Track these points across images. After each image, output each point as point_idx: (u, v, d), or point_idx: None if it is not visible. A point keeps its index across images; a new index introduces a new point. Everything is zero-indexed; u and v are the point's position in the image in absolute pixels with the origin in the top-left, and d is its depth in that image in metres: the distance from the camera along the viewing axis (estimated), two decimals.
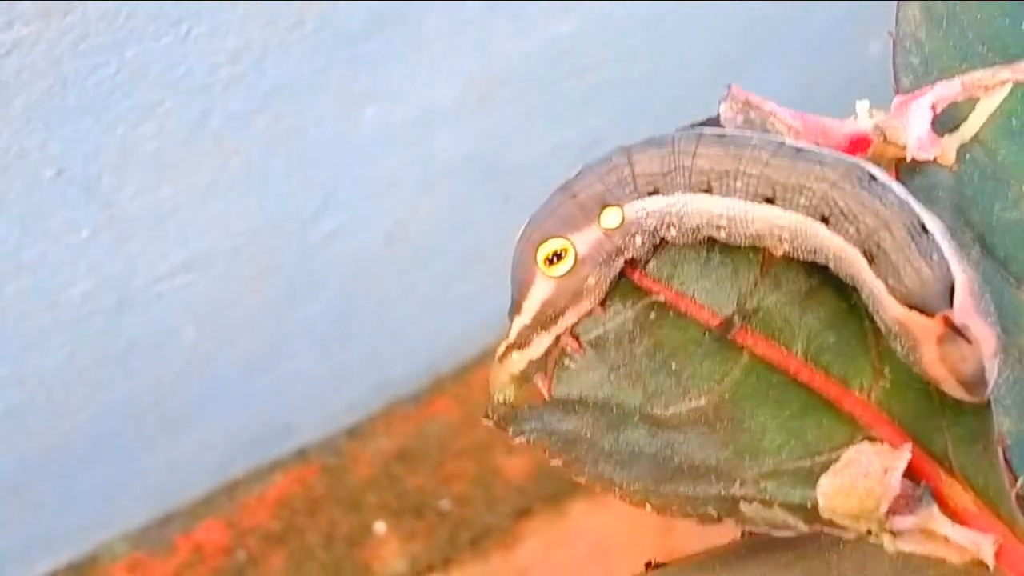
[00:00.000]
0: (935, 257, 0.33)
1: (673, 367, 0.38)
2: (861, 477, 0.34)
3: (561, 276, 0.38)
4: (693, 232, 0.38)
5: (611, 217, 0.38)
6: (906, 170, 0.37)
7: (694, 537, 0.38)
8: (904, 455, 0.34)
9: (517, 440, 0.38)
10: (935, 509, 0.34)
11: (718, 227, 0.37)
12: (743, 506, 0.35)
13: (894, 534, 0.34)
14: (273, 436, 1.00)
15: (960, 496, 0.34)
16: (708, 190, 0.37)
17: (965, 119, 0.38)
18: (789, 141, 0.36)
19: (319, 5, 0.68)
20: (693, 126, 0.39)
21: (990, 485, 0.34)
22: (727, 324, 0.38)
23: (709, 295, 0.38)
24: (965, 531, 0.34)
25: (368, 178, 0.82)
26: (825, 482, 0.35)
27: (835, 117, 0.38)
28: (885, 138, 0.37)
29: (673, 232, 0.38)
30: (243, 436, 0.97)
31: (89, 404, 0.85)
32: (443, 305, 0.97)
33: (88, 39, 0.62)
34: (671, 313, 0.38)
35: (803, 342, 0.37)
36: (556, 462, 0.38)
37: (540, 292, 0.38)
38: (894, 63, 0.38)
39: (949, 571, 0.34)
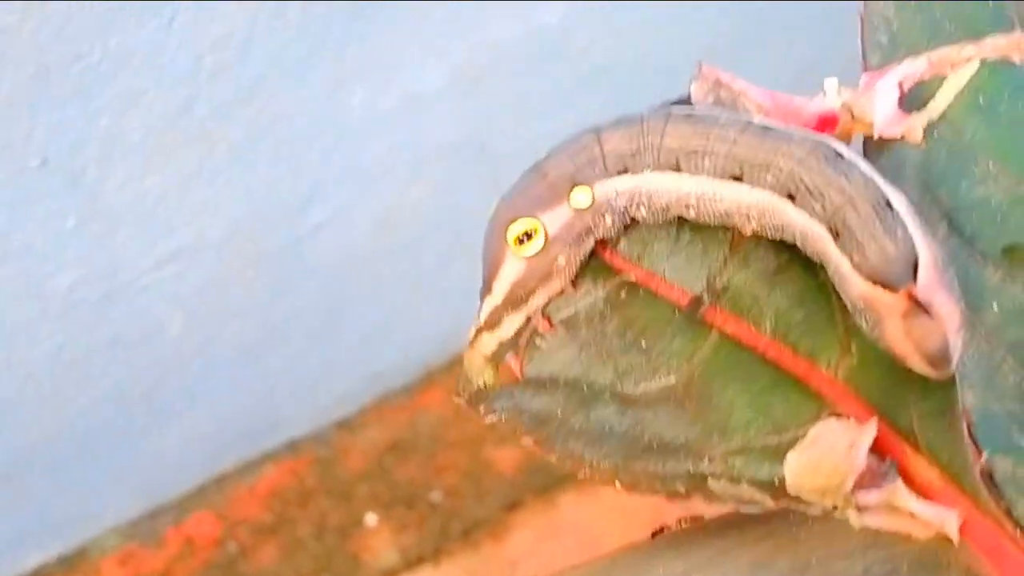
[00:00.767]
0: (900, 233, 0.33)
1: (643, 345, 0.38)
2: (827, 453, 0.34)
3: (531, 256, 0.38)
4: (663, 211, 0.38)
5: (581, 197, 0.38)
6: (874, 148, 0.37)
7: None
8: (870, 431, 0.34)
9: (488, 419, 0.38)
10: (900, 484, 0.34)
11: (687, 206, 0.37)
12: (711, 483, 0.35)
13: (860, 509, 0.34)
14: (263, 428, 1.00)
15: (926, 471, 0.34)
16: (677, 169, 0.37)
17: (933, 97, 0.38)
18: (757, 119, 0.36)
19: None
20: (663, 105, 0.39)
21: (955, 460, 0.34)
22: (696, 302, 0.38)
23: (679, 274, 0.38)
24: (930, 506, 0.34)
25: (356, 166, 0.82)
26: (792, 458, 0.35)
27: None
28: (853, 116, 0.37)
29: (643, 211, 0.38)
30: (233, 428, 0.97)
31: (78, 396, 0.85)
32: (434, 294, 0.97)
33: (71, 26, 0.62)
34: (641, 292, 0.38)
35: (771, 320, 0.37)
36: (527, 440, 0.38)
37: (510, 272, 0.38)
38: (862, 41, 0.38)
39: (915, 546, 0.34)
